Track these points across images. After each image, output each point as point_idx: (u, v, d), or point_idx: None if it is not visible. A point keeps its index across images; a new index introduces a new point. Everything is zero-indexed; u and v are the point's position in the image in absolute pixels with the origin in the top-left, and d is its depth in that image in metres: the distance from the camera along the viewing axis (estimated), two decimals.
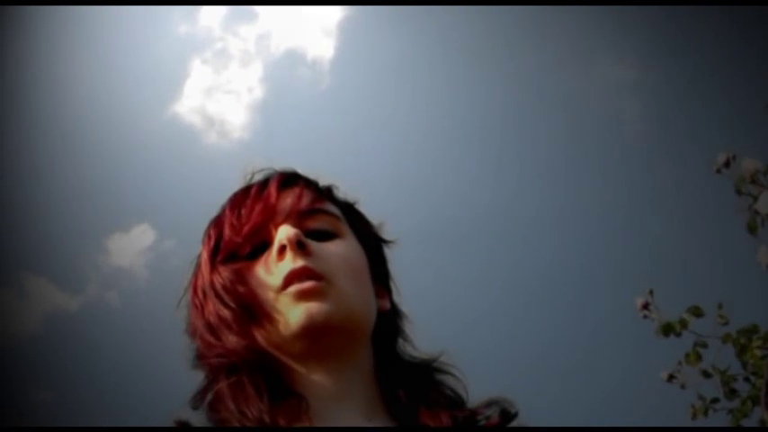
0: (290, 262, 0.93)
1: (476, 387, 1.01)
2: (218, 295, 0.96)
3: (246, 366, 0.91)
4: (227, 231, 0.98)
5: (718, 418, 2.72)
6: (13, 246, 3.87)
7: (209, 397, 0.92)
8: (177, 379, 0.98)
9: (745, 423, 2.70)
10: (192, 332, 0.99)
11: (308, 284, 0.92)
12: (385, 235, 1.06)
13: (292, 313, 0.92)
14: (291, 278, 0.93)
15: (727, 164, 2.41)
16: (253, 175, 1.03)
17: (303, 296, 0.92)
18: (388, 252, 1.06)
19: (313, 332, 0.92)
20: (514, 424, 0.98)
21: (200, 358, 0.96)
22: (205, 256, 0.99)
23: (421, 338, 1.05)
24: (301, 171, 1.04)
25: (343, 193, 1.04)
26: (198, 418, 0.93)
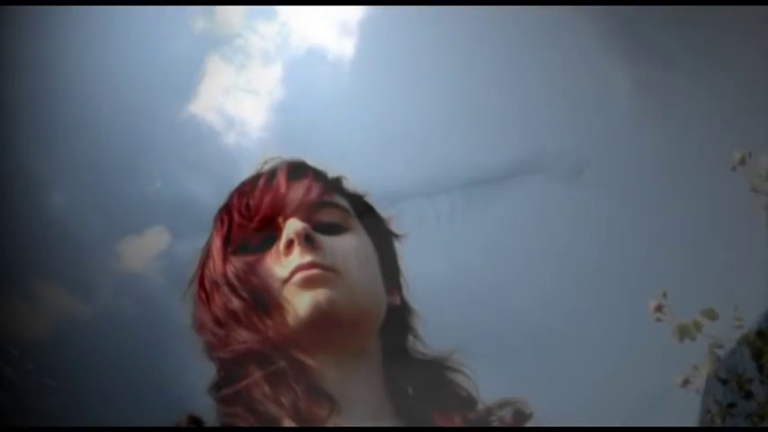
0: (298, 257, 0.92)
1: (484, 386, 0.99)
2: (230, 284, 0.94)
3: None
4: (237, 220, 0.97)
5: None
6: (23, 249, 3.86)
7: (231, 389, 0.90)
8: (192, 387, 0.96)
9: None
10: (200, 327, 0.97)
11: (314, 271, 0.91)
12: (396, 229, 1.05)
13: (299, 301, 0.91)
14: (298, 272, 0.91)
15: (743, 161, 2.38)
16: (264, 164, 1.01)
17: (309, 283, 0.91)
18: (399, 246, 1.04)
19: (320, 319, 0.90)
20: (529, 425, 0.95)
21: (215, 350, 0.95)
22: (218, 243, 0.98)
23: (432, 336, 1.03)
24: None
25: (352, 185, 1.03)
26: (209, 413, 0.91)
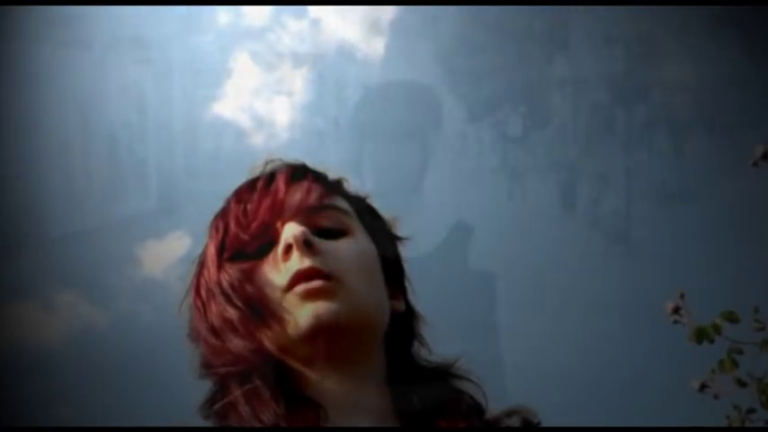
0: (297, 262, 0.90)
1: (495, 393, 0.97)
2: (224, 294, 0.93)
3: (259, 372, 0.89)
4: (232, 227, 0.95)
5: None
6: (39, 255, 3.87)
7: (218, 406, 0.89)
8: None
9: None
10: (195, 337, 0.96)
11: (315, 283, 0.89)
12: (399, 232, 1.03)
13: (299, 314, 0.89)
14: (298, 279, 0.89)
15: (764, 156, 2.32)
16: (265, 165, 0.99)
17: (310, 296, 0.89)
18: (403, 250, 1.02)
19: (321, 333, 0.88)
20: None
21: (207, 367, 0.93)
22: (212, 250, 0.96)
23: (439, 343, 1.01)
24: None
25: (354, 186, 1.01)
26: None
